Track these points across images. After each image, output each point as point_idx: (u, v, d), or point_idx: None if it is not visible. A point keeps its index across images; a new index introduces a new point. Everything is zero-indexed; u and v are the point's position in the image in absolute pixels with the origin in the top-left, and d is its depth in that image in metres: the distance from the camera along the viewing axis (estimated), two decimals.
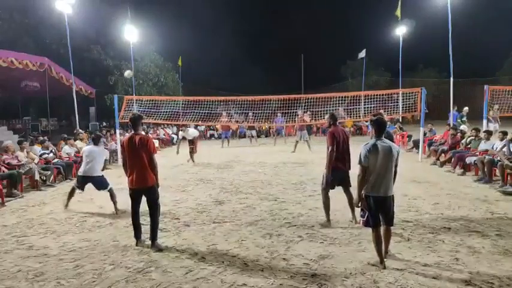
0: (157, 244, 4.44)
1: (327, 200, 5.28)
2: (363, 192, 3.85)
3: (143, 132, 4.91)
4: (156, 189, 4.55)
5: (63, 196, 6.44)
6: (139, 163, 4.43)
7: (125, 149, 4.56)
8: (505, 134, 8.22)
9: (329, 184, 5.23)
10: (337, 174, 5.17)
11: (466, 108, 14.47)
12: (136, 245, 4.53)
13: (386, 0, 23.50)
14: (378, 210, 3.83)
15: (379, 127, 3.84)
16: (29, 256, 4.32)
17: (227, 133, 17.06)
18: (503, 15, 29.63)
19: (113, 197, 6.14)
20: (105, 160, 6.52)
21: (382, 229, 3.89)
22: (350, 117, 17.59)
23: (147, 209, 4.54)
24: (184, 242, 4.63)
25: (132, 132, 4.65)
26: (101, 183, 6.31)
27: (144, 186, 4.45)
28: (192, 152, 11.31)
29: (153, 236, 4.47)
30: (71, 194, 6.41)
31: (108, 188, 6.24)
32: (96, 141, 6.51)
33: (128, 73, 15.05)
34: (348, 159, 5.24)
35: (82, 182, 6.34)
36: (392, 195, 3.88)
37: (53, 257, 4.29)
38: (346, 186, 5.28)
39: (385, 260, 3.85)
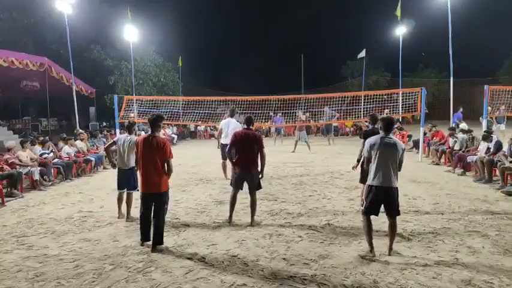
0: (159, 247, 4.37)
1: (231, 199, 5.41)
2: (367, 183, 4.12)
3: (161, 134, 4.60)
4: (167, 194, 4.46)
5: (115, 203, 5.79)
6: (153, 167, 4.27)
7: (139, 148, 4.38)
8: (488, 133, 8.28)
9: (234, 184, 5.36)
10: (239, 176, 5.26)
11: (460, 109, 14.44)
12: (141, 245, 4.51)
13: (386, 0, 23.51)
14: (378, 201, 4.02)
15: (387, 125, 4.13)
16: (29, 256, 4.32)
17: None
18: (503, 15, 29.67)
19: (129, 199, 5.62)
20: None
21: (387, 223, 4.09)
22: (348, 117, 17.62)
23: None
24: (184, 242, 4.63)
25: (149, 132, 4.44)
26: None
27: (157, 192, 4.34)
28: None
29: (158, 241, 4.37)
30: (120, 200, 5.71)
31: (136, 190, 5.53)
32: (129, 129, 5.69)
33: None
34: (251, 162, 5.18)
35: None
36: (397, 188, 4.03)
37: (53, 257, 4.28)
38: (250, 188, 5.29)
39: (387, 254, 3.96)
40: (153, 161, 4.29)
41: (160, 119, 4.51)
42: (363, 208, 4.18)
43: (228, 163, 7.99)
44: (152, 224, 4.45)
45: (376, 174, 3.99)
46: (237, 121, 8.58)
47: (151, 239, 4.42)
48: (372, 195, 4.01)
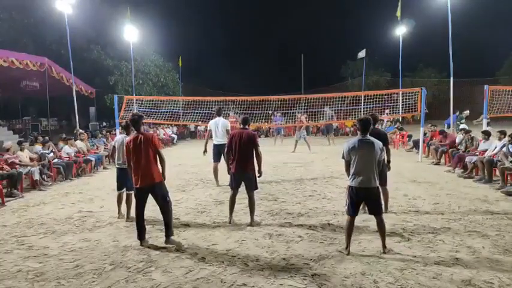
0: (172, 240, 4.49)
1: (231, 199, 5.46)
2: (347, 183, 4.19)
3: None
4: (163, 184, 4.55)
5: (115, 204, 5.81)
6: (145, 159, 4.40)
7: (129, 150, 4.48)
8: (503, 133, 8.13)
9: (231, 184, 5.40)
10: (236, 176, 5.28)
11: (466, 112, 14.43)
12: (141, 245, 4.52)
13: (386, 0, 23.54)
14: (359, 201, 4.14)
15: (364, 125, 4.16)
16: (29, 256, 4.32)
17: None
18: (503, 15, 29.70)
19: (128, 200, 5.63)
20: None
21: (375, 222, 4.16)
22: (348, 117, 17.64)
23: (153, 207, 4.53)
24: (184, 242, 4.62)
25: (135, 133, 4.59)
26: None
27: (151, 183, 4.42)
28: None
29: (168, 233, 4.51)
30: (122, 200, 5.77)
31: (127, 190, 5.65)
32: (126, 129, 5.62)
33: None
34: (247, 162, 5.19)
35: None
36: (377, 187, 4.11)
37: (53, 257, 4.28)
38: (247, 188, 5.32)
39: (384, 252, 3.99)
40: (145, 153, 4.42)
41: (141, 118, 4.70)
42: (345, 208, 4.25)
43: (219, 166, 7.90)
44: (162, 220, 4.54)
45: (355, 176, 4.05)
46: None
47: (164, 231, 4.53)
48: (351, 196, 4.10)
